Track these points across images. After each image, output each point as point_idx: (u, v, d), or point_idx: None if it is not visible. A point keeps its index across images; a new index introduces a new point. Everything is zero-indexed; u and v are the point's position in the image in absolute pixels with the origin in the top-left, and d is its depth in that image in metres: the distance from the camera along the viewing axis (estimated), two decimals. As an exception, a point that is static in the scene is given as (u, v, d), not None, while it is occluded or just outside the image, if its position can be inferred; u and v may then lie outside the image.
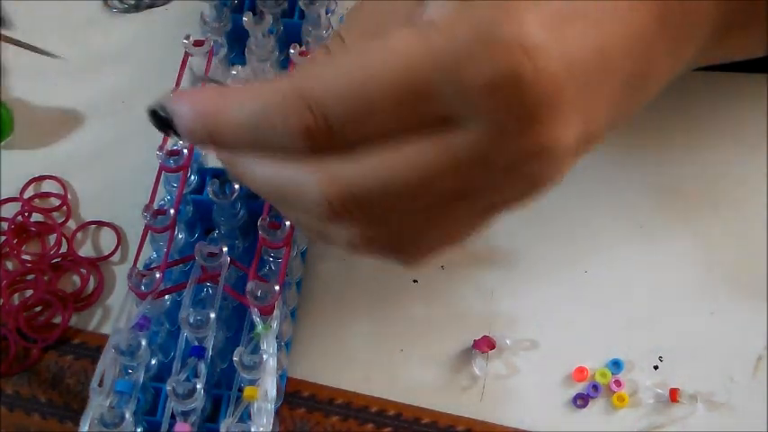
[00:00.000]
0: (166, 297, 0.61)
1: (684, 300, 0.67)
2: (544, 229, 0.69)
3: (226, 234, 0.65)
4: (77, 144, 0.74)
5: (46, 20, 0.80)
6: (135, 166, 0.72)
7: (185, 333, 0.57)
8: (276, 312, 0.58)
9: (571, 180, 0.71)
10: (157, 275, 0.59)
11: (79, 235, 0.70)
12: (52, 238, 0.70)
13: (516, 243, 0.69)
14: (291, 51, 0.66)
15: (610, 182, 0.71)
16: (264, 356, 0.56)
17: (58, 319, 0.66)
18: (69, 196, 0.72)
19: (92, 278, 0.68)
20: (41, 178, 0.72)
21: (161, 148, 0.63)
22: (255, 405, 0.55)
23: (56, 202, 0.71)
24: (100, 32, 0.79)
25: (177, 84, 0.65)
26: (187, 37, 0.67)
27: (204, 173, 0.67)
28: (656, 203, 0.70)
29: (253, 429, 0.55)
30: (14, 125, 0.74)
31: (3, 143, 0.73)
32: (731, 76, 0.76)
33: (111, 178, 0.72)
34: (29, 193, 0.72)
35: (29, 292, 0.67)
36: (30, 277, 0.68)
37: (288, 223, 0.59)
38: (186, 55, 0.67)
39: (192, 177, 0.65)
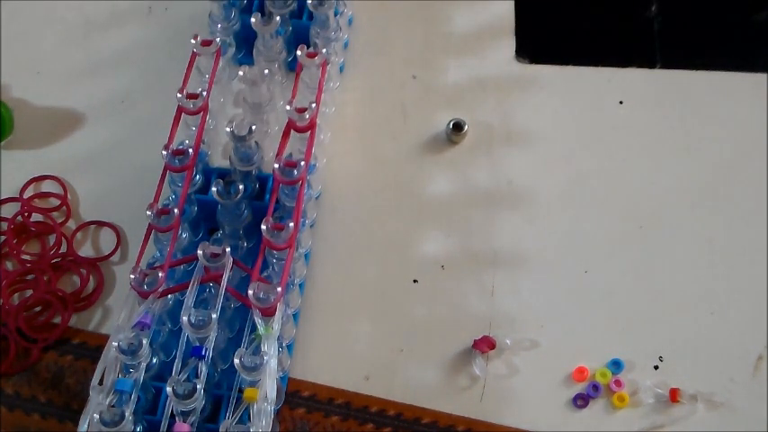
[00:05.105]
0: (169, 296, 0.61)
1: (684, 300, 0.67)
2: (544, 229, 0.70)
3: (229, 234, 0.65)
4: (77, 144, 0.74)
5: (46, 20, 0.80)
6: (135, 166, 0.72)
7: (186, 333, 0.57)
8: (278, 314, 0.58)
9: (571, 180, 0.71)
10: (160, 275, 0.58)
11: (79, 235, 0.70)
12: (52, 238, 0.70)
13: (517, 243, 0.69)
14: (299, 53, 0.66)
15: (610, 182, 0.71)
16: (265, 358, 0.56)
17: (57, 319, 0.66)
18: (69, 196, 0.72)
19: (92, 278, 0.68)
20: (41, 178, 0.72)
21: (166, 148, 0.63)
22: (255, 406, 0.55)
23: (56, 202, 0.71)
24: (100, 32, 0.79)
25: (184, 84, 0.65)
26: (195, 36, 0.66)
27: (209, 173, 0.67)
28: (656, 203, 0.70)
29: (252, 431, 0.54)
30: (14, 125, 0.74)
31: (3, 143, 0.73)
32: (731, 75, 0.76)
33: (111, 178, 0.72)
34: (29, 193, 0.72)
35: (29, 292, 0.67)
36: (30, 277, 0.68)
37: (292, 225, 0.59)
38: (193, 54, 0.67)
39: (197, 177, 0.65)
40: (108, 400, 0.55)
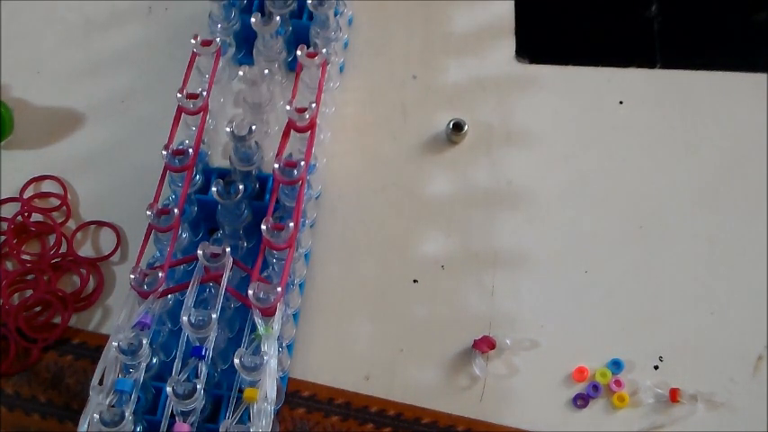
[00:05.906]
0: (169, 296, 0.61)
1: (684, 300, 0.67)
2: (544, 230, 0.70)
3: (229, 234, 0.65)
4: (77, 144, 0.74)
5: (46, 20, 0.80)
6: (135, 166, 0.72)
7: (186, 333, 0.57)
8: (278, 314, 0.58)
9: (571, 180, 0.71)
10: (160, 275, 0.58)
11: (79, 235, 0.70)
12: (52, 238, 0.70)
13: (517, 243, 0.69)
14: (299, 53, 0.66)
15: (610, 182, 0.71)
16: (265, 358, 0.56)
17: (57, 319, 0.66)
18: (69, 196, 0.71)
19: (92, 278, 0.68)
20: (41, 178, 0.72)
21: (166, 148, 0.63)
22: (255, 406, 0.55)
23: (56, 202, 0.71)
24: (100, 32, 0.79)
25: (184, 84, 0.65)
26: (195, 36, 0.66)
27: (209, 173, 0.67)
28: (656, 203, 0.70)
29: (252, 431, 0.54)
30: (14, 125, 0.74)
31: (3, 143, 0.73)
32: (731, 75, 0.76)
33: (111, 178, 0.72)
34: (29, 193, 0.72)
35: (29, 292, 0.67)
36: (30, 277, 0.68)
37: (292, 225, 0.59)
38: (193, 54, 0.67)
39: (197, 177, 0.65)
40: (108, 400, 0.55)
